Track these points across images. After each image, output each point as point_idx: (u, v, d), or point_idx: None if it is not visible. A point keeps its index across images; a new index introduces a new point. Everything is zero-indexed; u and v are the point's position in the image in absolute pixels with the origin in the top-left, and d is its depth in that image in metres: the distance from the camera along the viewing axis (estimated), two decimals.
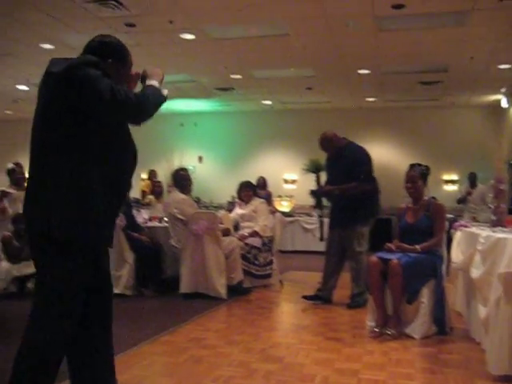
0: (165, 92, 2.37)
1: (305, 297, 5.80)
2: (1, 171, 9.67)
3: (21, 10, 6.71)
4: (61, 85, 2.11)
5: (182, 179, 6.27)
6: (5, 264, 6.00)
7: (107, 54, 2.33)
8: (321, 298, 5.75)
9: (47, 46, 8.27)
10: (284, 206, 11.73)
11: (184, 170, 6.55)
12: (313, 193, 6.03)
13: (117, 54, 2.37)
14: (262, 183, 10.93)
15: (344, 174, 5.63)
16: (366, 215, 5.82)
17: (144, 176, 13.59)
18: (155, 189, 8.82)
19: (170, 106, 12.95)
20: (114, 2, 6.46)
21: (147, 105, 2.25)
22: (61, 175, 2.12)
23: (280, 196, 12.00)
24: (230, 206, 9.09)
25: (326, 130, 5.95)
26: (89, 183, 2.15)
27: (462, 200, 10.15)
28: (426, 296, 4.30)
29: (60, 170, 2.13)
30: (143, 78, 2.42)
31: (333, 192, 5.72)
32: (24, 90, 11.45)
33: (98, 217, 2.18)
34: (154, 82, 2.36)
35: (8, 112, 14.30)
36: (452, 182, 12.48)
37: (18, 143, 14.93)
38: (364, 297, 5.23)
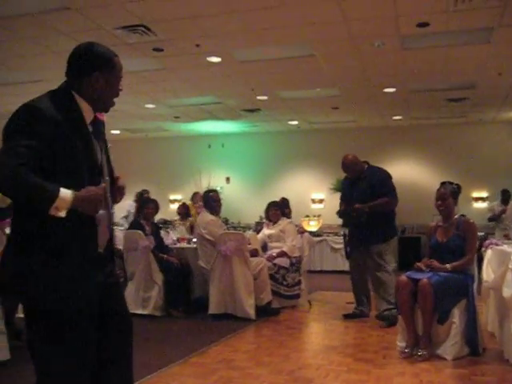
0: (57, 212, 1.90)
1: (345, 315, 5.93)
2: None
3: (51, 37, 6.90)
4: None
5: (211, 200, 6.35)
6: None
7: (91, 66, 2.15)
8: (359, 315, 5.88)
9: None
10: (312, 225, 11.69)
11: (214, 191, 6.64)
12: (342, 212, 6.05)
13: (102, 64, 2.17)
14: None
15: (366, 194, 5.79)
16: (386, 232, 5.94)
17: (174, 197, 13.76)
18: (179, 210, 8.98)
19: (197, 127, 13.12)
20: (142, 28, 6.60)
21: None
22: None
23: (307, 216, 11.97)
24: (258, 227, 9.11)
25: (348, 153, 6.08)
26: None
27: (493, 218, 9.90)
28: (457, 316, 4.23)
29: None
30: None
31: (362, 209, 5.72)
32: None
33: None
34: (65, 196, 1.89)
35: None
36: (482, 199, 12.29)
37: None
38: (392, 312, 5.35)
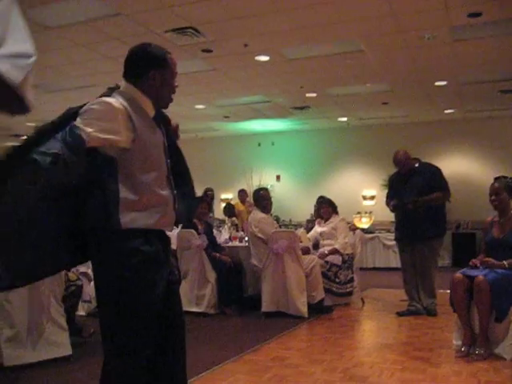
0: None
1: (398, 313, 5.94)
2: None
3: (103, 43, 7.11)
4: None
5: (262, 199, 6.40)
6: None
7: (146, 65, 2.28)
8: (415, 312, 5.89)
9: None
10: (363, 222, 11.57)
11: (264, 189, 6.68)
12: (395, 205, 6.02)
13: (156, 61, 2.29)
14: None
15: (419, 188, 5.84)
16: (439, 227, 6.01)
17: (225, 196, 13.90)
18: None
19: (247, 126, 13.21)
20: (191, 30, 6.70)
21: None
22: None
23: (359, 212, 11.86)
24: (309, 224, 9.11)
25: (399, 148, 6.08)
26: None
27: None
28: None
29: None
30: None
31: (418, 203, 5.72)
32: None
33: None
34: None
35: None
36: None
37: None
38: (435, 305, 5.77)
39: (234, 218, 8.70)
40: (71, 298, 4.54)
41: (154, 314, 2.18)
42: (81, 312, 5.62)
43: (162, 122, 2.43)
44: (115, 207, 2.12)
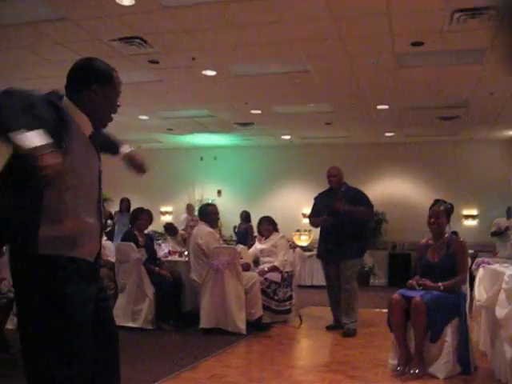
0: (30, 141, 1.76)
1: (328, 327, 6.21)
2: None
3: (47, 47, 6.91)
4: None
5: (210, 213, 6.39)
6: None
7: (91, 79, 2.16)
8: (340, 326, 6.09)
9: None
10: (303, 240, 11.69)
11: (212, 205, 6.71)
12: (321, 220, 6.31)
13: (101, 77, 2.19)
14: (245, 217, 11.15)
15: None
16: (361, 247, 6.26)
17: (166, 209, 13.75)
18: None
19: (190, 140, 13.13)
20: (138, 40, 6.62)
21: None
22: None
23: (298, 230, 11.97)
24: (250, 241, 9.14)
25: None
26: None
27: (498, 233, 9.62)
28: (449, 335, 4.24)
29: None
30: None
31: (345, 208, 5.97)
32: None
33: None
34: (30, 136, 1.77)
35: None
36: (472, 216, 12.36)
37: None
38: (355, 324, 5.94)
39: (182, 232, 8.69)
40: (1, 311, 4.33)
41: (83, 338, 2.04)
42: (9, 326, 5.36)
43: (104, 146, 2.33)
44: (34, 229, 1.96)
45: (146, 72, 7.93)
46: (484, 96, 8.63)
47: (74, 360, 2.00)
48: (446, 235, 4.65)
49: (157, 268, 6.33)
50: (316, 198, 6.59)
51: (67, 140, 1.99)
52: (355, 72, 7.68)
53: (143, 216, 6.64)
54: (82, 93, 2.15)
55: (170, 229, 9.41)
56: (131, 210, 8.18)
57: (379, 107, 9.58)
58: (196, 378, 4.07)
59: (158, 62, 7.45)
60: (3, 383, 3.82)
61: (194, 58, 7.25)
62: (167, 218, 13.18)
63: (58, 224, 2.00)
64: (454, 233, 4.69)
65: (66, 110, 2.05)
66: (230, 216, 12.79)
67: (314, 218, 6.45)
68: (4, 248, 5.67)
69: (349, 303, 6.03)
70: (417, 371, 4.18)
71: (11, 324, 5.41)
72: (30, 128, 1.76)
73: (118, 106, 2.29)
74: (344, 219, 5.97)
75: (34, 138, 1.75)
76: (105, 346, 2.20)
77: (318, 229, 6.50)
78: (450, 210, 4.67)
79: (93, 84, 2.15)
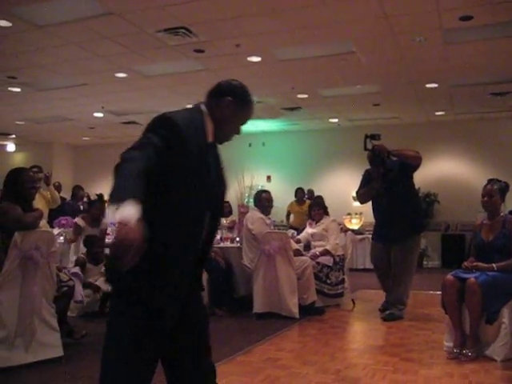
0: (115, 215, 1.67)
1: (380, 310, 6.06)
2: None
3: (97, 42, 7.08)
4: None
5: (264, 200, 6.44)
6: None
7: (227, 92, 2.25)
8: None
9: (121, 75, 8.66)
10: (354, 223, 11.61)
11: (266, 191, 6.71)
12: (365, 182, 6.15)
13: (238, 95, 2.26)
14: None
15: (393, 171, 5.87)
16: (414, 228, 5.95)
17: None
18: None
19: None
20: (183, 30, 6.69)
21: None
22: None
23: (349, 213, 11.89)
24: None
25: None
26: None
27: None
28: (506, 316, 4.15)
29: None
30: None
31: (384, 148, 5.80)
32: (99, 117, 11.99)
33: None
34: (126, 207, 1.68)
35: (85, 138, 15.00)
36: None
37: (94, 166, 15.65)
38: (403, 311, 5.78)
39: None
40: (63, 298, 4.50)
41: None
42: (72, 313, 5.58)
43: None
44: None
45: (191, 61, 8.02)
46: None
47: None
48: (502, 214, 4.54)
49: (213, 253, 6.43)
50: (365, 172, 6.35)
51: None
52: (402, 51, 7.53)
53: None
54: (214, 101, 2.23)
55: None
56: None
57: (428, 86, 9.37)
58: (251, 362, 4.15)
59: (203, 51, 7.52)
60: (68, 366, 3.99)
61: (238, 45, 7.28)
62: None
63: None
64: (510, 213, 4.56)
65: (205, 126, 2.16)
66: (280, 202, 12.82)
67: (360, 190, 6.23)
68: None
69: (402, 288, 5.84)
70: (472, 353, 4.13)
71: (74, 311, 5.66)
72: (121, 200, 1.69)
73: (240, 131, 2.33)
74: (395, 193, 5.77)
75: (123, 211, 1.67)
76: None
77: (370, 212, 6.35)
78: (504, 189, 4.55)
79: (227, 96, 2.23)
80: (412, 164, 5.83)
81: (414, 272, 6.02)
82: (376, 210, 6.21)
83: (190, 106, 2.31)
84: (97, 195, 6.77)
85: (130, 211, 1.67)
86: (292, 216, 11.28)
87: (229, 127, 2.27)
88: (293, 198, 11.51)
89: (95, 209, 6.60)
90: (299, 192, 11.29)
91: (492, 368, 3.93)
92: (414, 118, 12.22)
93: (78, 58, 7.78)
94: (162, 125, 2.01)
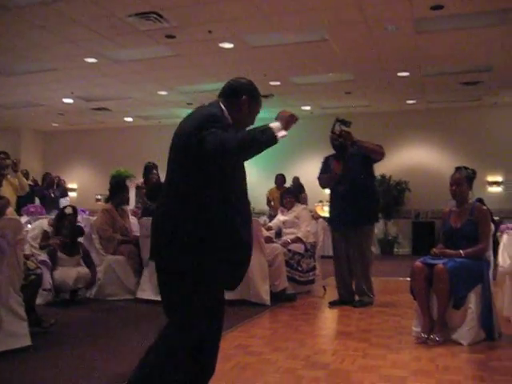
0: (280, 134, 2.34)
1: (331, 303, 5.99)
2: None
3: (66, 26, 6.94)
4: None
5: None
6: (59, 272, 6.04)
7: (242, 91, 2.60)
8: (344, 302, 5.92)
9: (91, 60, 8.51)
10: (325, 210, 11.65)
11: None
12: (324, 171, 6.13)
13: (251, 92, 2.64)
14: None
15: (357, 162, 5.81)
16: (370, 217, 5.94)
17: None
18: None
19: None
20: (154, 15, 6.61)
21: (227, 146, 2.30)
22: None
23: (321, 201, 11.96)
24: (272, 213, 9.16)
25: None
26: None
27: None
28: (473, 301, 4.23)
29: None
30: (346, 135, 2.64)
31: (349, 134, 5.74)
32: (69, 103, 11.79)
33: None
34: (275, 124, 2.36)
35: (54, 124, 14.74)
36: (496, 183, 12.20)
37: (64, 153, 15.41)
38: (372, 298, 5.78)
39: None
40: (30, 287, 4.43)
41: None
42: (40, 301, 5.50)
43: None
44: None
45: (162, 47, 7.92)
46: (508, 59, 8.45)
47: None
48: (470, 201, 4.60)
49: None
50: (326, 158, 6.30)
51: None
52: (374, 39, 7.57)
53: None
54: (232, 101, 2.59)
55: None
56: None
57: (400, 74, 9.45)
58: (221, 348, 4.07)
59: (174, 37, 7.44)
60: (37, 355, 3.94)
61: (210, 31, 7.22)
62: None
63: None
64: (480, 200, 4.62)
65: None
66: (251, 189, 12.79)
67: (321, 175, 6.17)
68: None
69: (365, 275, 5.84)
70: (440, 338, 4.20)
71: (41, 299, 5.58)
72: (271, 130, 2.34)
73: (253, 123, 2.66)
74: (354, 181, 5.72)
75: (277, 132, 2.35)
76: None
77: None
78: (471, 177, 4.61)
79: (243, 95, 2.59)
80: (374, 158, 5.82)
81: (381, 259, 6.05)
82: (334, 196, 6.16)
83: (189, 108, 2.47)
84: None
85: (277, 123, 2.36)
86: (273, 203, 11.23)
87: (246, 121, 2.63)
88: (267, 186, 11.51)
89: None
90: (279, 178, 11.24)
91: (458, 351, 4.01)
92: (386, 106, 12.32)
93: (47, 43, 7.63)
94: (215, 120, 2.39)
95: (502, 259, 4.85)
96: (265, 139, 2.31)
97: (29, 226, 6.44)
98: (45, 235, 6.03)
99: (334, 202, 6.16)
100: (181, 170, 2.49)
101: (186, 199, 2.44)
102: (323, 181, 6.18)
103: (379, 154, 5.79)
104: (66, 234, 6.06)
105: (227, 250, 2.47)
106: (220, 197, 2.46)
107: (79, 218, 6.89)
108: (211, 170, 2.42)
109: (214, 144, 2.28)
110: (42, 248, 5.96)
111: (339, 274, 6.04)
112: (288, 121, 2.41)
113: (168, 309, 2.58)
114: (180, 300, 2.50)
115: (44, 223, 6.26)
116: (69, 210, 6.21)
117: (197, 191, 2.43)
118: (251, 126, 2.59)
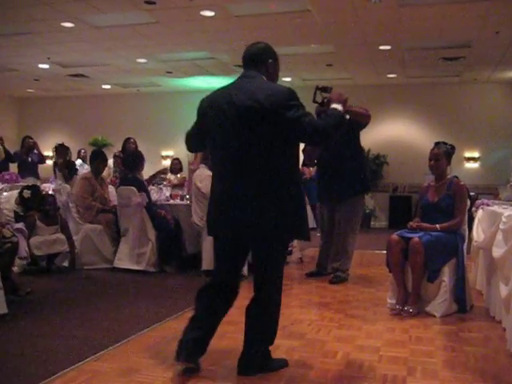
0: (347, 116, 2.84)
1: (307, 274, 6.08)
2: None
3: None
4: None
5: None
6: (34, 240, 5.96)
7: (267, 55, 2.96)
8: (321, 273, 6.03)
9: (68, 25, 8.30)
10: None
11: None
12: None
13: (273, 54, 2.99)
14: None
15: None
16: (357, 188, 5.79)
17: (166, 153, 13.79)
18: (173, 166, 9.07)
19: (190, 83, 12.97)
20: None
21: (328, 130, 2.73)
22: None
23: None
24: None
25: None
26: None
27: None
28: (447, 274, 4.32)
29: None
30: (328, 102, 2.91)
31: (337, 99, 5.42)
32: (45, 69, 11.53)
33: None
34: (337, 106, 2.83)
35: (30, 90, 14.43)
36: (474, 159, 12.35)
37: (39, 120, 15.14)
38: (347, 273, 5.78)
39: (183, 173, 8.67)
40: (6, 255, 4.39)
41: None
42: (16, 269, 5.47)
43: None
44: None
45: (142, 13, 7.76)
46: (489, 35, 8.46)
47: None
48: (448, 176, 4.65)
49: (163, 211, 6.39)
50: None
51: None
52: (357, 11, 7.51)
53: (143, 161, 6.65)
54: (261, 68, 2.93)
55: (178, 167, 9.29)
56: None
57: (381, 47, 9.42)
58: None
59: (154, 3, 7.28)
60: (14, 323, 3.93)
61: None
62: (168, 163, 13.19)
63: None
64: (455, 177, 4.68)
65: None
66: None
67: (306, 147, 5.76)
68: None
69: (345, 249, 5.80)
70: (414, 310, 4.29)
71: (18, 267, 5.54)
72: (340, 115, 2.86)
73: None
74: (341, 151, 5.59)
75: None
76: None
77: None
78: (450, 152, 4.65)
79: (269, 59, 2.96)
80: (361, 122, 5.57)
81: (358, 232, 6.06)
82: (320, 169, 6.10)
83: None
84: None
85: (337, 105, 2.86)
86: None
87: (273, 80, 2.98)
88: None
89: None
90: None
91: (431, 323, 4.11)
92: (367, 79, 12.30)
93: (21, 4, 7.39)
94: (294, 97, 2.81)
95: (477, 234, 4.94)
96: (341, 120, 2.79)
97: (4, 193, 6.33)
98: (16, 215, 5.84)
99: (321, 175, 6.04)
100: (265, 144, 2.74)
101: (274, 172, 2.76)
102: (307, 153, 5.86)
103: (366, 117, 5.51)
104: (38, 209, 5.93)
105: (304, 208, 2.90)
106: (297, 168, 2.95)
107: (53, 186, 6.81)
108: (295, 144, 2.87)
109: (315, 128, 2.69)
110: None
111: (324, 249, 6.08)
112: (344, 99, 2.89)
113: (258, 268, 3.16)
114: (276, 256, 3.02)
115: (12, 201, 5.94)
116: (27, 194, 5.83)
117: (284, 163, 2.79)
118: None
